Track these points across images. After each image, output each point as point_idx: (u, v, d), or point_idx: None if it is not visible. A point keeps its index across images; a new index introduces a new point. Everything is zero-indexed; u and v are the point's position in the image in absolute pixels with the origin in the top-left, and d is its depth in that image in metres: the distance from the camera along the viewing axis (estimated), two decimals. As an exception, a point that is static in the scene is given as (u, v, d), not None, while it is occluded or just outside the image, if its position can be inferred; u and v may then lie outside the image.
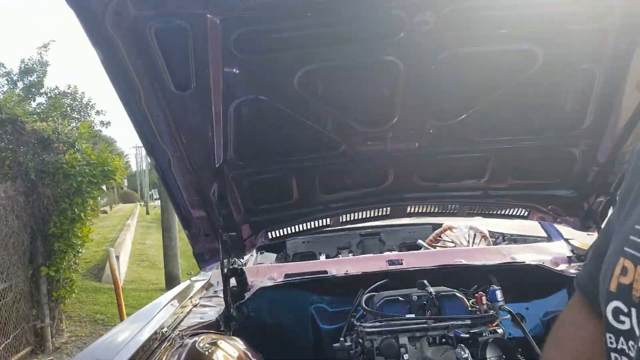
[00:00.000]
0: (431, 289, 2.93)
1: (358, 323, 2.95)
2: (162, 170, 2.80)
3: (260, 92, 2.59)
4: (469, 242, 4.87)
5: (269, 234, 3.52)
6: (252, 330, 3.58)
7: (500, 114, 2.92)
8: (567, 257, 3.98)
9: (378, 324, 2.82)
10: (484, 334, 2.60)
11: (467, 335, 2.59)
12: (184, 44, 2.22)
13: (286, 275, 3.86)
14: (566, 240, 4.37)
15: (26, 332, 9.56)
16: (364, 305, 2.99)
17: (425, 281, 3.13)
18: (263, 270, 4.08)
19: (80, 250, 10.39)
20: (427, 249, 4.77)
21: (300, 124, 2.79)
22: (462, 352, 2.46)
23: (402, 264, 3.92)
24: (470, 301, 3.02)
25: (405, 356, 2.68)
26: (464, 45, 2.49)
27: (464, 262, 3.95)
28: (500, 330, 2.65)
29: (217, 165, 2.86)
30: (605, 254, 1.19)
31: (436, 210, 3.60)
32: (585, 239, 4.15)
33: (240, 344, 3.12)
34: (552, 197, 3.49)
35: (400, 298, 2.94)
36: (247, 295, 3.61)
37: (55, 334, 10.34)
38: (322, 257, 5.96)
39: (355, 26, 2.34)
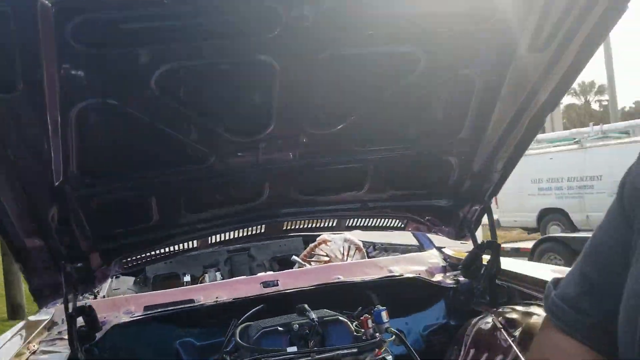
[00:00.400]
0: (313, 315, 2.65)
1: (231, 359, 2.58)
2: None
3: (108, 94, 2.14)
4: (344, 255, 4.72)
5: (125, 262, 3.03)
6: None
7: (378, 122, 2.74)
8: (442, 266, 3.94)
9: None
10: None
11: None
12: (5, 32, 1.72)
13: (146, 308, 3.37)
14: (438, 248, 4.36)
15: None
16: (238, 339, 2.63)
17: (306, 305, 2.84)
18: (119, 302, 3.53)
19: None
20: (302, 265, 4.52)
21: (159, 133, 2.37)
22: None
23: (277, 284, 3.61)
24: (354, 324, 2.79)
25: None
26: (345, 45, 2.25)
27: (342, 278, 3.74)
28: (389, 358, 2.44)
29: (56, 184, 2.34)
30: (606, 278, 1.02)
31: (315, 225, 3.35)
32: (457, 247, 4.16)
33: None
34: (429, 207, 3.40)
35: (279, 328, 2.62)
36: (99, 334, 3.07)
37: None
38: (187, 278, 5.47)
39: (223, 19, 2.00)
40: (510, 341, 2.60)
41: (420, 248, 4.55)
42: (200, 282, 6.28)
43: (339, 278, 3.75)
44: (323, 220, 3.35)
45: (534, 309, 2.85)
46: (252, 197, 2.96)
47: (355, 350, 2.51)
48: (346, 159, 2.94)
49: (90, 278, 2.92)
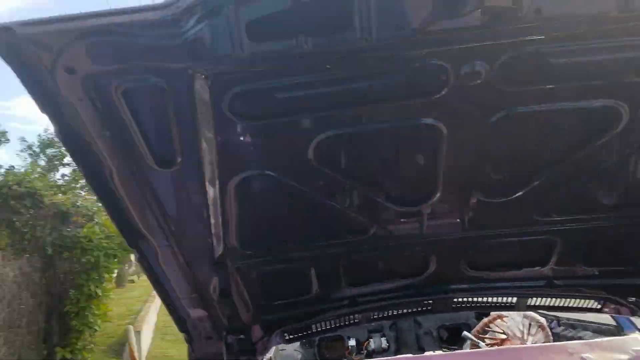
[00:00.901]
0: None
1: None
2: (149, 264, 2.26)
3: (265, 165, 2.06)
4: (523, 333, 4.16)
5: (285, 334, 2.91)
6: None
7: (567, 188, 2.33)
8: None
9: None
10: None
11: None
12: (163, 108, 1.71)
13: None
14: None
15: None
16: None
17: None
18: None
19: (97, 328, 9.85)
20: (475, 342, 4.06)
21: (317, 204, 2.24)
22: None
23: None
24: None
25: None
26: (525, 103, 1.93)
27: None
28: None
29: (216, 257, 2.31)
30: None
31: (489, 303, 2.95)
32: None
33: None
34: (633, 287, 2.82)
35: None
36: None
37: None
38: (352, 342, 5.28)
39: (387, 81, 1.82)
40: None
41: (618, 329, 3.84)
42: (365, 348, 6.04)
43: (517, 366, 3.26)
44: (499, 298, 2.93)
45: None
46: (417, 271, 2.69)
47: None
48: (526, 230, 2.54)
49: (252, 349, 2.84)
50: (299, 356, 6.08)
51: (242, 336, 2.71)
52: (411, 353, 6.05)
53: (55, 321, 9.38)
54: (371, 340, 6.14)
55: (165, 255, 2.20)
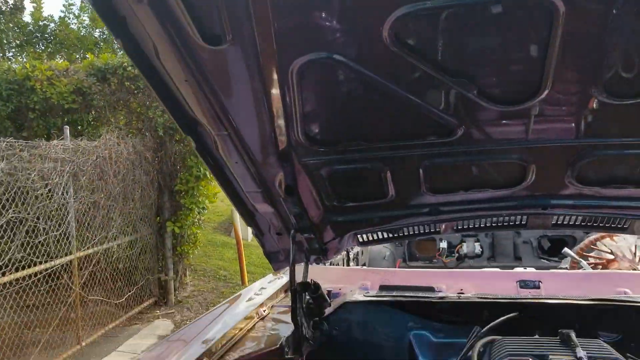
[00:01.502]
0: (582, 353, 1.93)
1: None
2: (207, 154, 2.09)
3: (332, 47, 1.74)
4: (635, 255, 3.68)
5: (358, 237, 2.71)
6: (335, 352, 2.84)
7: None
8: None
9: None
10: None
11: None
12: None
13: (381, 287, 3.05)
14: None
15: (150, 284, 9.82)
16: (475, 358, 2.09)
17: (573, 333, 2.14)
18: (356, 274, 3.30)
19: (205, 207, 10.36)
20: (576, 260, 3.66)
21: (394, 97, 1.91)
22: None
23: (539, 287, 2.92)
24: None
25: None
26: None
27: (630, 294, 2.84)
28: None
29: (280, 149, 2.09)
30: None
31: (596, 224, 2.53)
32: None
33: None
34: None
35: (530, 359, 1.99)
36: (330, 309, 2.86)
37: (179, 287, 10.55)
38: (443, 244, 5.10)
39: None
40: None
41: None
42: (457, 251, 5.82)
43: (626, 293, 2.87)
44: (609, 220, 2.50)
45: None
46: (512, 181, 2.31)
47: None
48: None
49: (322, 250, 2.69)
50: (387, 252, 6.00)
51: (311, 235, 2.55)
52: (506, 262, 5.75)
53: (167, 198, 9.96)
54: (464, 244, 5.91)
55: (225, 144, 2.02)
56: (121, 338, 8.48)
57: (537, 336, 2.48)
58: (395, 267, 6.05)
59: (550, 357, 1.95)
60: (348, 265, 4.93)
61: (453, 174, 2.34)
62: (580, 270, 3.42)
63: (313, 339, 2.79)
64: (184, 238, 10.27)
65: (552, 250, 5.55)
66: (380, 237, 2.72)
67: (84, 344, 7.75)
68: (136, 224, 9.28)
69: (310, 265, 2.77)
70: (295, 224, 2.46)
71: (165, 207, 9.98)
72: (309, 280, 2.64)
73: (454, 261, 6.04)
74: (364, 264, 5.63)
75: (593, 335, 2.62)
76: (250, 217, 2.48)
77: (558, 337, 2.18)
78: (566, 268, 4.30)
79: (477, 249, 5.93)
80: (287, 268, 3.04)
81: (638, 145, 2.09)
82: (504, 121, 2.02)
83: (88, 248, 8.01)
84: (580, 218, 2.50)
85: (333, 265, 4.45)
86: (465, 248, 5.94)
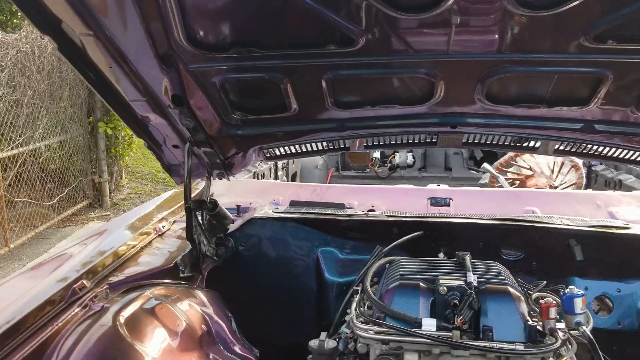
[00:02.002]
0: (473, 278, 1.89)
1: (355, 312, 1.98)
2: (77, 57, 1.83)
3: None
4: (553, 171, 3.69)
5: (265, 152, 2.55)
6: (241, 268, 2.77)
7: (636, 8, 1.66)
8: (694, 221, 2.77)
9: (377, 328, 1.85)
10: None
11: None
12: None
13: (292, 203, 2.94)
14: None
15: (84, 186, 9.55)
16: (368, 289, 2.02)
17: (469, 257, 2.10)
18: (267, 188, 3.18)
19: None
20: (494, 176, 3.65)
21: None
22: None
23: (448, 205, 2.88)
24: (532, 298, 1.97)
25: None
26: None
27: (538, 213, 2.84)
28: None
29: (159, 54, 1.85)
30: None
31: (506, 143, 2.44)
32: None
33: (201, 300, 2.32)
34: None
35: (422, 284, 1.94)
36: (236, 225, 2.75)
37: (114, 190, 10.33)
38: (376, 154, 5.04)
39: None
40: None
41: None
42: (390, 161, 5.78)
43: (533, 212, 2.86)
44: (519, 139, 2.41)
45: None
46: (421, 98, 2.16)
47: (516, 351, 1.72)
48: (570, 57, 1.93)
49: (226, 164, 2.52)
50: (320, 161, 5.91)
51: (210, 149, 2.37)
52: (437, 172, 5.78)
53: (98, 98, 9.46)
54: (397, 154, 5.88)
55: (92, 46, 1.76)
56: (53, 240, 8.31)
57: (442, 255, 2.45)
58: (328, 177, 6.00)
59: (440, 281, 1.90)
60: (276, 174, 4.81)
61: (358, 88, 2.16)
62: (490, 188, 3.40)
63: (216, 255, 2.70)
64: (118, 139, 9.91)
65: (483, 162, 5.59)
66: (288, 152, 2.57)
67: (12, 245, 7.56)
68: (65, 124, 8.82)
69: (215, 180, 2.62)
70: (190, 138, 2.27)
71: (97, 107, 9.50)
72: (208, 197, 2.49)
73: (387, 171, 6.03)
74: (295, 174, 5.54)
75: (496, 253, 2.63)
76: (141, 128, 2.27)
77: (455, 259, 2.15)
78: (485, 184, 4.33)
79: (410, 159, 5.91)
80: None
81: (550, 63, 1.96)
82: (407, 31, 1.84)
83: (12, 148, 7.59)
84: (490, 137, 2.40)
85: (259, 174, 4.32)
86: (397, 158, 5.92)
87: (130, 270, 2.29)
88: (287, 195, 3.10)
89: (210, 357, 2.13)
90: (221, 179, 2.60)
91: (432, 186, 3.25)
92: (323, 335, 1.95)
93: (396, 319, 1.85)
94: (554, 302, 1.81)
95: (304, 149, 2.53)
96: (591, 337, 1.77)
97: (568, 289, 1.88)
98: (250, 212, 2.88)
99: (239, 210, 2.94)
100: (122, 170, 10.64)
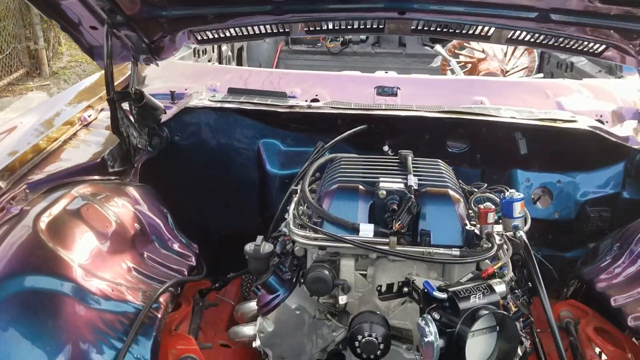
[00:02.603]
0: (414, 181, 1.82)
1: (293, 214, 1.91)
2: None
3: None
4: (506, 54, 3.55)
5: (196, 35, 2.31)
6: (178, 158, 2.63)
7: None
8: (639, 111, 2.75)
9: (314, 235, 1.79)
10: (470, 297, 1.55)
11: (444, 296, 1.55)
12: None
13: (230, 90, 2.75)
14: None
15: (19, 53, 8.89)
16: (306, 192, 1.92)
17: (411, 157, 2.02)
18: (204, 72, 2.95)
19: None
20: (446, 59, 3.48)
21: None
22: (426, 328, 1.48)
23: (396, 94, 2.75)
24: (472, 201, 1.93)
25: (342, 298, 1.73)
26: None
27: (486, 104, 2.75)
28: (499, 288, 1.60)
29: None
30: None
31: (457, 30, 2.26)
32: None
33: (133, 197, 2.21)
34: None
35: (361, 187, 1.86)
36: (170, 114, 2.57)
37: (53, 58, 9.69)
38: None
39: None
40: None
41: (618, 72, 3.27)
42: (342, 36, 5.51)
43: (481, 103, 2.77)
44: (473, 27, 2.24)
45: None
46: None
47: (451, 255, 1.71)
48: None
49: (153, 49, 2.29)
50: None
51: (131, 32, 2.12)
52: (390, 48, 5.57)
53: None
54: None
55: None
56: (-11, 111, 7.88)
57: (386, 149, 2.35)
58: (277, 51, 5.71)
59: (380, 184, 1.83)
60: (219, 50, 4.51)
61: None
62: (439, 77, 3.25)
63: (151, 146, 2.55)
64: (53, 2, 9.11)
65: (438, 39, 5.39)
66: (222, 35, 2.33)
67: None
68: (-10, -16, 8.00)
69: (144, 65, 2.39)
70: (107, 19, 2.01)
71: (24, -34, 8.60)
72: (132, 87, 2.28)
73: (339, 46, 5.76)
74: (241, 48, 5.22)
75: (442, 145, 2.57)
76: (51, 7, 1.99)
77: (399, 158, 2.06)
78: (437, 67, 4.17)
79: (363, 35, 5.64)
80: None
81: None
82: None
83: None
84: (441, 25, 2.22)
85: (200, 50, 4.02)
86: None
87: (52, 167, 2.12)
88: (225, 81, 2.89)
89: (145, 256, 2.06)
90: (148, 64, 2.38)
91: (379, 73, 3.08)
92: (259, 238, 1.89)
93: (334, 224, 1.79)
94: (493, 207, 1.78)
95: (240, 33, 2.30)
96: (526, 241, 1.76)
97: (508, 193, 1.84)
98: (185, 100, 2.68)
99: (173, 96, 2.74)
100: (59, 36, 9.91)
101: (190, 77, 2.98)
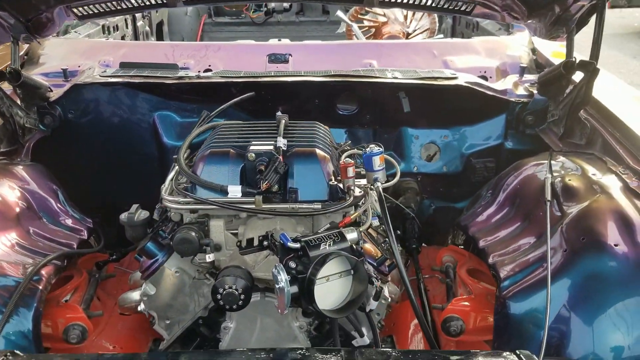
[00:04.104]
0: (282, 142, 1.90)
1: (168, 183, 1.99)
2: None
3: None
4: (406, 17, 3.65)
5: (76, 10, 2.32)
6: (73, 136, 2.65)
7: None
8: (522, 66, 2.89)
9: (184, 199, 1.86)
10: (321, 244, 1.66)
11: (297, 246, 1.65)
12: None
13: (122, 65, 2.76)
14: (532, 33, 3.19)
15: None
16: (181, 159, 1.98)
17: (285, 119, 2.10)
18: (97, 46, 2.95)
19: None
20: (349, 25, 3.56)
21: None
22: (278, 276, 1.58)
23: (287, 61, 2.82)
24: (341, 156, 2.03)
25: (208, 257, 1.82)
26: None
27: (374, 66, 2.85)
28: (351, 236, 1.71)
29: None
30: None
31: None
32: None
33: (20, 176, 2.23)
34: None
35: (232, 151, 1.93)
36: (60, 92, 2.57)
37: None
38: None
39: None
40: (547, 235, 1.76)
41: (508, 29, 3.41)
42: (265, 6, 5.52)
43: (371, 65, 2.87)
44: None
45: (610, 182, 1.93)
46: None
47: (312, 209, 1.81)
48: None
49: (29, 27, 2.29)
50: (191, 7, 5.56)
51: (2, 12, 2.12)
52: (314, 16, 5.61)
53: None
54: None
55: None
56: None
57: (279, 113, 2.44)
58: (200, 24, 5.67)
59: (250, 147, 1.91)
60: (134, 24, 4.47)
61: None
62: (331, 42, 3.32)
63: (43, 125, 2.56)
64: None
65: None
66: (102, 10, 2.34)
67: None
68: None
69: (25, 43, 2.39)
70: None
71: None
72: (11, 66, 2.28)
73: (262, 16, 5.77)
74: (161, 22, 5.18)
75: (332, 108, 2.66)
76: None
77: (276, 119, 2.15)
78: (343, 33, 4.24)
79: (285, 3, 5.65)
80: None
81: None
82: None
83: None
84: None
85: (112, 26, 3.98)
86: (273, 2, 5.64)
87: None
88: (118, 56, 2.89)
89: (31, 232, 2.10)
90: (29, 42, 2.37)
91: (273, 41, 3.13)
92: (134, 207, 1.95)
93: (204, 187, 1.87)
94: (352, 162, 1.88)
95: (120, 7, 2.32)
96: (381, 192, 1.87)
97: (368, 148, 1.94)
98: (77, 77, 2.69)
99: (65, 74, 2.73)
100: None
101: (84, 53, 2.97)
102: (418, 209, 2.79)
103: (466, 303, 2.08)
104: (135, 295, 2.05)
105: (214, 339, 2.03)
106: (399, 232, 2.52)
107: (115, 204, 2.74)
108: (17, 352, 1.41)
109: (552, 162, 2.15)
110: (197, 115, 2.65)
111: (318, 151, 1.94)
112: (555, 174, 2.05)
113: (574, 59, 2.32)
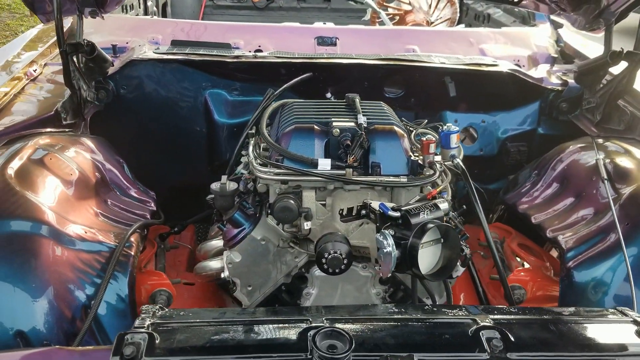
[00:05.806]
0: (362, 119, 2.00)
1: (252, 155, 2.05)
2: None
3: None
4: (430, 6, 3.79)
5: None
6: (125, 111, 2.67)
7: None
8: (552, 56, 3.06)
9: (276, 170, 1.93)
10: (420, 213, 1.78)
11: (397, 214, 1.77)
12: None
13: (173, 43, 2.80)
14: (553, 24, 3.37)
15: None
16: (265, 133, 2.06)
17: (358, 99, 2.19)
18: (145, 24, 2.96)
19: None
20: (376, 11, 3.66)
21: None
22: (384, 241, 1.69)
23: (335, 44, 2.91)
24: (414, 135, 2.14)
25: (306, 224, 1.90)
26: None
27: (417, 52, 2.97)
28: (443, 206, 1.83)
29: None
30: None
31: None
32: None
33: (89, 147, 2.25)
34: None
35: (316, 127, 2.01)
36: (115, 68, 2.59)
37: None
38: None
39: None
40: (613, 210, 1.93)
41: (530, 20, 3.57)
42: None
43: (414, 51, 2.99)
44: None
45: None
46: None
47: (400, 182, 1.92)
48: None
49: (100, 0, 2.30)
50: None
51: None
52: (315, 3, 5.65)
53: None
54: None
55: None
56: None
57: (329, 96, 2.52)
58: (202, 6, 5.65)
59: (334, 123, 2.00)
60: (145, 4, 4.44)
61: None
62: (374, 27, 3.43)
63: (98, 99, 2.58)
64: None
65: None
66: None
67: None
68: None
69: (87, 19, 2.39)
70: None
71: None
72: (82, 39, 2.29)
73: (264, 1, 5.78)
74: (165, 3, 5.15)
75: (379, 91, 2.76)
76: None
77: (345, 101, 2.24)
78: (368, 20, 4.34)
79: None
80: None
81: None
82: None
83: None
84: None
85: (127, 5, 3.97)
86: None
87: (7, 121, 2.14)
88: (166, 34, 2.92)
89: (109, 202, 2.14)
90: (94, 17, 2.39)
91: (318, 24, 3.21)
92: (224, 178, 2.02)
93: (294, 160, 1.95)
94: (434, 139, 2.00)
95: None
96: (463, 167, 2.00)
97: (445, 126, 2.06)
98: (128, 53, 2.71)
99: (115, 50, 2.75)
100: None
101: (129, 30, 2.98)
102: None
103: (524, 274, 2.23)
104: (215, 263, 2.12)
105: (295, 304, 2.12)
106: (464, 206, 2.64)
107: (161, 180, 2.79)
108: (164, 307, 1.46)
109: (597, 144, 2.33)
110: (248, 95, 2.72)
111: (396, 129, 2.05)
112: (603, 155, 2.22)
113: (620, 50, 2.49)
